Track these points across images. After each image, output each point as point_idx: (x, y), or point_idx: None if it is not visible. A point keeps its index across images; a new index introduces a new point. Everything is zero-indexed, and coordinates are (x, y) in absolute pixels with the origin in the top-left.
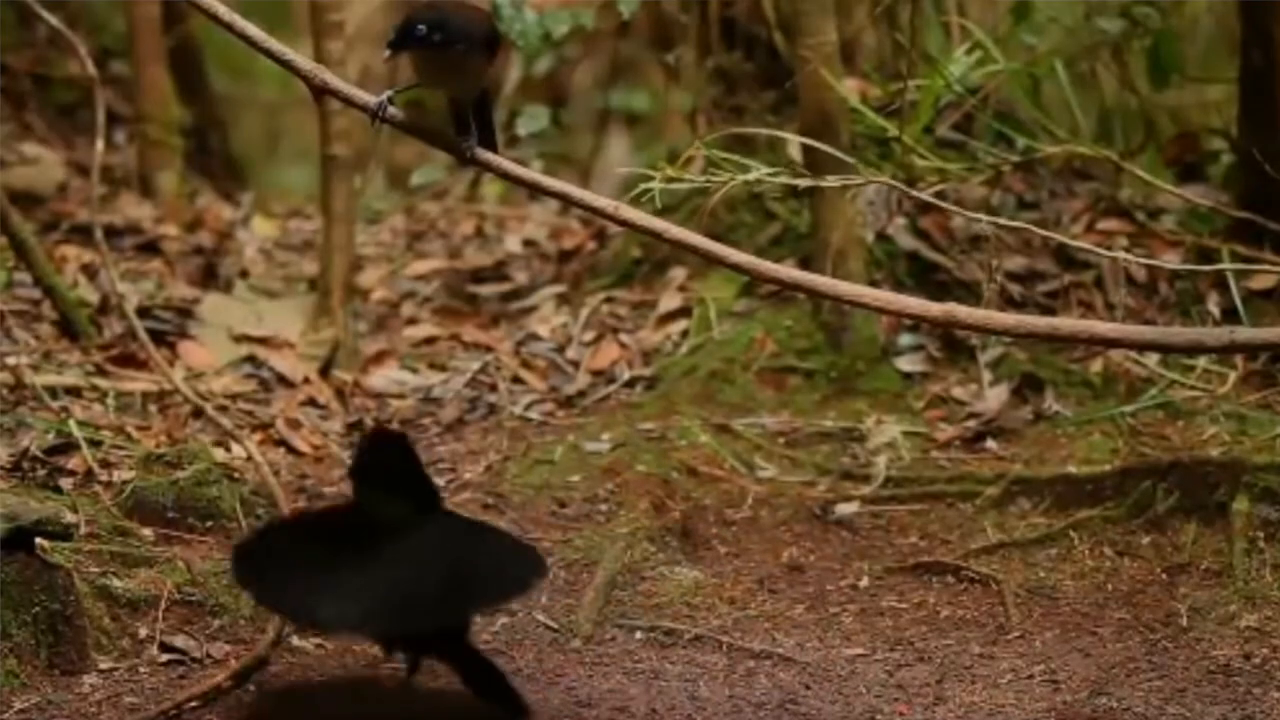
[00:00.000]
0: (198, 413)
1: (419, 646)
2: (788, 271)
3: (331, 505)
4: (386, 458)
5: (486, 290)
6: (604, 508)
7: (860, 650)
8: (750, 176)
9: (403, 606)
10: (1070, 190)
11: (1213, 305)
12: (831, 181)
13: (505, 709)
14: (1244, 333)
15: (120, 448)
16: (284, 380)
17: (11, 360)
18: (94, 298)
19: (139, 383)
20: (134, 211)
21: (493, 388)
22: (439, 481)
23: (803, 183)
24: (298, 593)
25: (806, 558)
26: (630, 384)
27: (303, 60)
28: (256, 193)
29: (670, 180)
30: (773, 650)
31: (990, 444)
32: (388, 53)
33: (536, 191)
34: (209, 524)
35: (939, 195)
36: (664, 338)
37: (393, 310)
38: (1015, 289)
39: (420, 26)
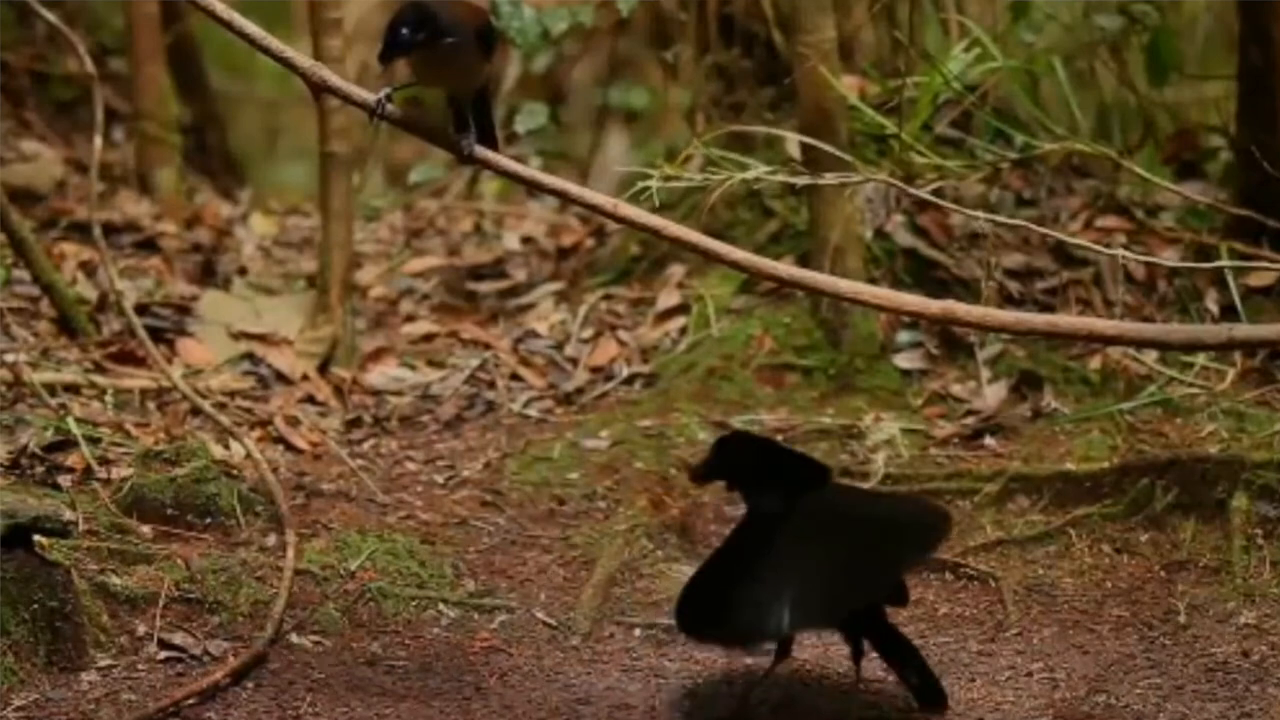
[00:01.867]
0: (196, 410)
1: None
2: (786, 269)
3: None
4: (748, 453)
5: (485, 287)
6: (602, 505)
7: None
8: (749, 175)
9: (847, 589)
10: (1069, 187)
11: (1211, 302)
12: (830, 180)
13: (925, 695)
14: (1242, 330)
15: (119, 445)
16: (282, 377)
17: (10, 358)
18: (92, 295)
19: (137, 380)
20: (132, 209)
21: (491, 385)
22: (438, 479)
23: (801, 181)
24: (747, 613)
25: None
26: (629, 381)
27: (301, 57)
28: (255, 190)
29: (668, 179)
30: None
31: (989, 441)
32: (381, 66)
33: (535, 189)
34: (207, 521)
35: (937, 192)
36: (662, 335)
37: (391, 307)
38: (1014, 286)
39: (404, 30)
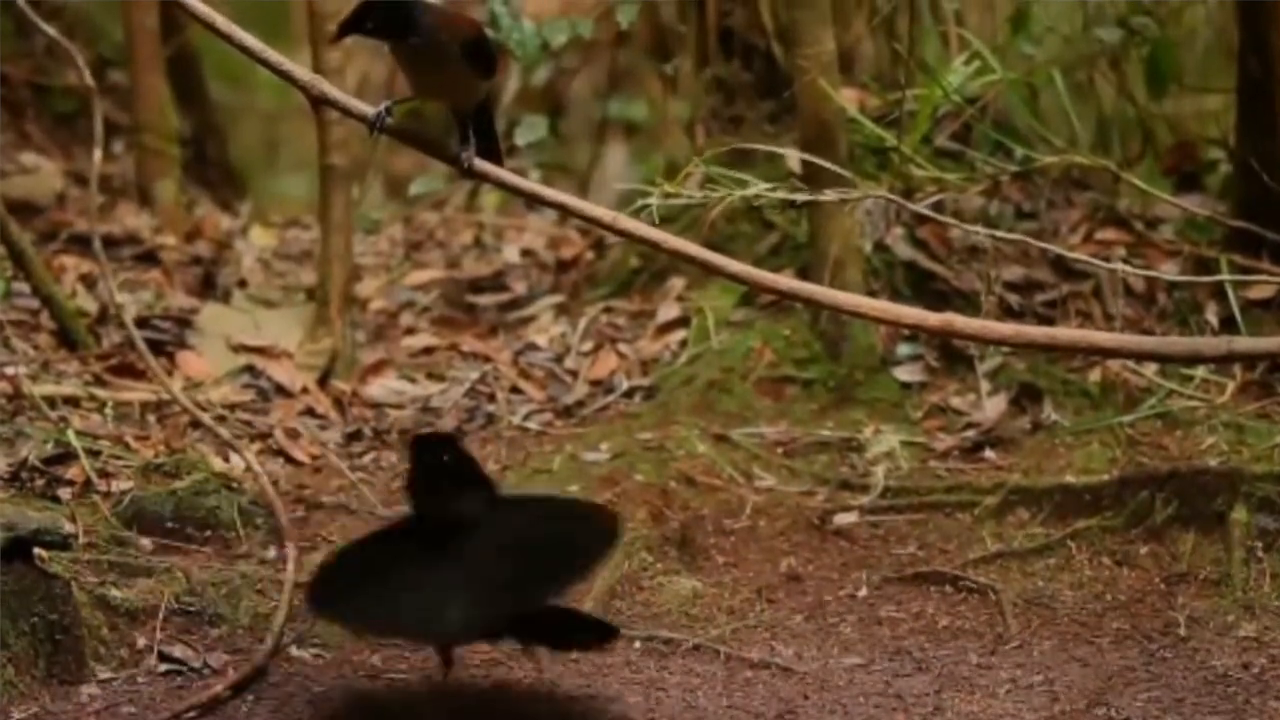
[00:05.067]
0: (196, 423)
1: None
2: (786, 281)
3: (389, 523)
4: (437, 460)
5: (485, 300)
6: None
7: (858, 660)
8: (748, 192)
9: (507, 598)
10: (1068, 200)
11: (1211, 315)
12: (829, 196)
13: (597, 635)
14: (1242, 342)
15: (119, 458)
16: (282, 390)
17: (10, 370)
18: (92, 307)
19: (137, 393)
20: (132, 221)
21: (491, 397)
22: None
23: (800, 198)
24: (399, 607)
25: (805, 567)
26: (629, 394)
27: (301, 70)
28: (255, 202)
29: (668, 196)
30: (771, 660)
31: (988, 453)
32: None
33: (535, 202)
34: (207, 534)
35: (937, 205)
36: (662, 347)
37: (391, 320)
38: (1013, 299)
39: (365, 12)
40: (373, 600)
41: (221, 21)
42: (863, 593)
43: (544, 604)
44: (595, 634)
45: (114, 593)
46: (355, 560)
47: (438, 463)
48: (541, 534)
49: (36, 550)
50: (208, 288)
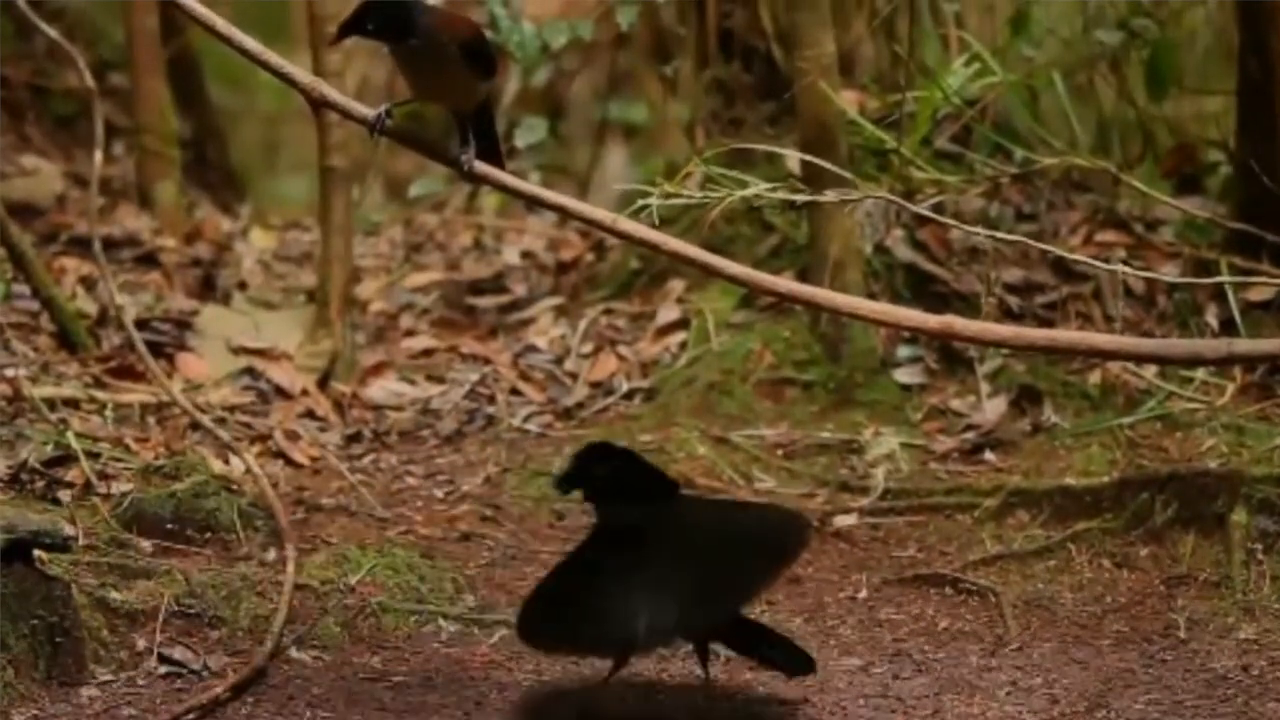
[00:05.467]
0: (196, 425)
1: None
2: (786, 283)
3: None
4: (607, 466)
5: (485, 302)
6: None
7: (858, 662)
8: (748, 192)
9: (708, 602)
10: (1068, 202)
11: (1211, 317)
12: (829, 197)
13: (793, 665)
14: (1242, 344)
15: (118, 459)
16: (282, 392)
17: (10, 372)
18: (92, 309)
19: (137, 395)
20: (132, 223)
21: (491, 399)
22: (438, 493)
23: (800, 199)
24: (598, 623)
25: (805, 569)
26: (629, 396)
27: (300, 73)
28: (255, 204)
29: (668, 197)
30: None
31: (988, 455)
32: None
33: (535, 204)
34: (207, 536)
35: (937, 207)
36: (662, 349)
37: (391, 322)
38: (1013, 301)
39: (366, 13)
40: (576, 621)
41: (221, 24)
42: (863, 594)
43: (738, 608)
44: (788, 659)
45: (114, 595)
46: (556, 587)
47: (620, 471)
48: (733, 537)
49: (36, 552)
50: (207, 290)
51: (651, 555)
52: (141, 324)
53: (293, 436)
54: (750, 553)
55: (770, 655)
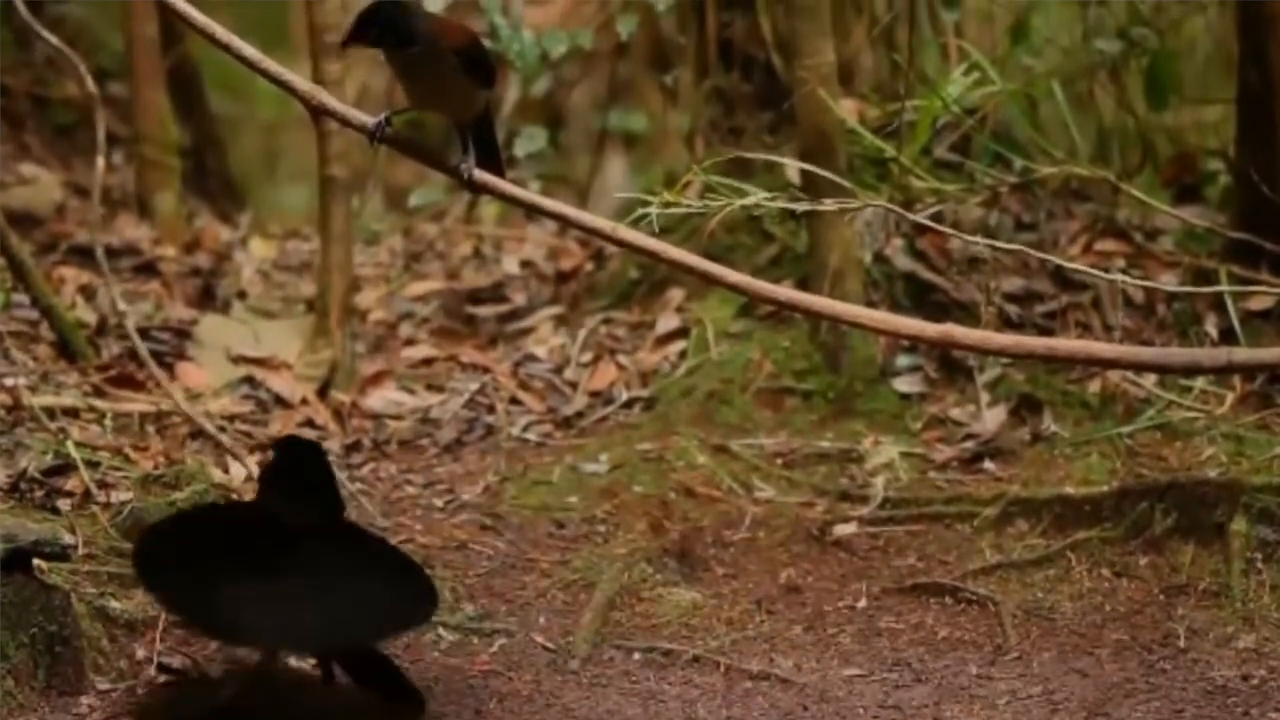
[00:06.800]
0: (195, 434)
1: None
2: (785, 292)
3: (232, 503)
4: (298, 463)
5: (484, 311)
6: (602, 529)
7: (858, 671)
8: (748, 201)
9: (324, 626)
10: (1068, 211)
11: (1210, 326)
12: (829, 205)
13: (406, 703)
14: (1241, 353)
15: (118, 469)
16: (281, 401)
17: (9, 381)
18: (92, 319)
19: (137, 404)
20: (132, 232)
21: (490, 409)
22: (437, 502)
23: (800, 207)
24: (213, 600)
25: (804, 578)
26: (628, 405)
27: (300, 81)
28: (254, 213)
29: (668, 205)
30: (770, 671)
31: (988, 465)
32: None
33: (535, 213)
34: None
35: (936, 216)
36: (662, 358)
37: (390, 331)
38: (1012, 310)
39: (368, 20)
40: (190, 583)
41: (221, 32)
42: (862, 604)
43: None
44: (400, 696)
45: (113, 604)
46: (187, 532)
47: (298, 466)
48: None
49: (36, 561)
50: (207, 299)
51: (312, 565)
52: (141, 333)
53: None
54: (374, 599)
55: (383, 687)
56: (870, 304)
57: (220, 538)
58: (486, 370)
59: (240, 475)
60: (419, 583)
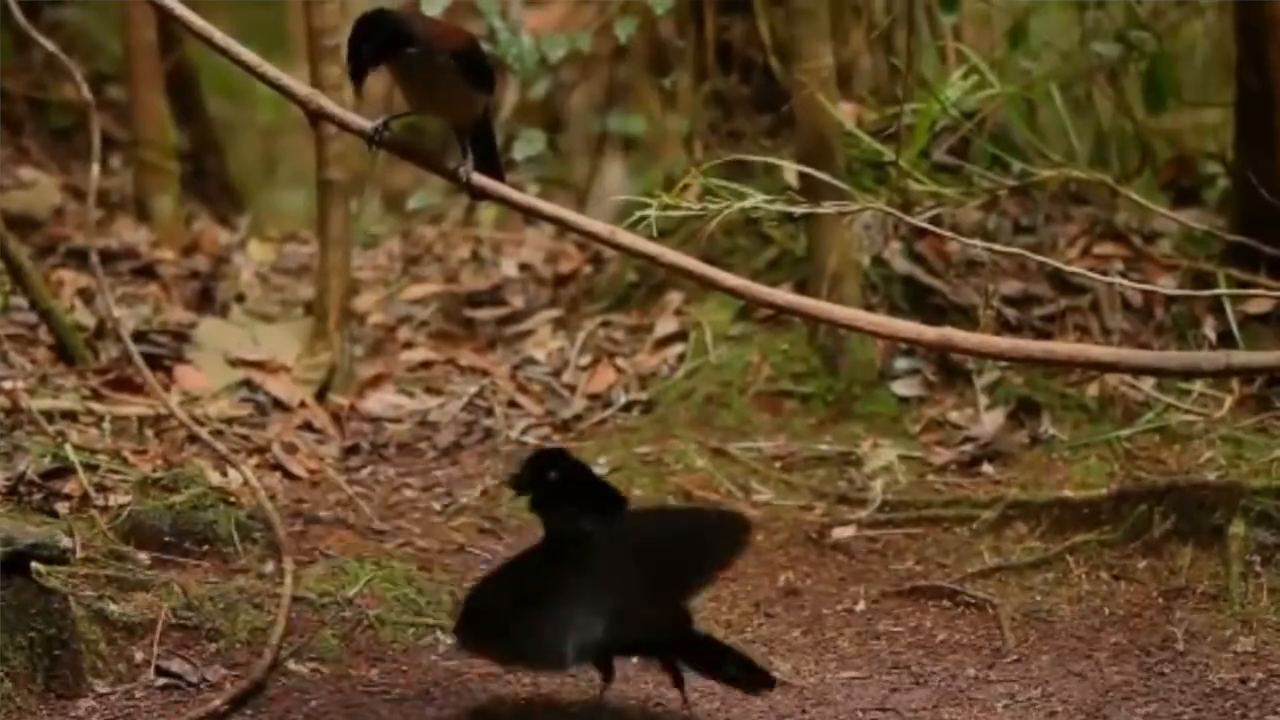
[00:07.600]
0: (194, 437)
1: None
2: (783, 295)
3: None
4: (555, 474)
5: (483, 314)
6: None
7: (856, 674)
8: (746, 204)
9: (631, 616)
10: (1066, 214)
11: (1209, 329)
12: (827, 208)
13: (752, 681)
14: (1240, 356)
15: (116, 472)
16: (280, 404)
17: (8, 384)
18: (90, 322)
19: (135, 407)
20: (130, 236)
21: (489, 412)
22: (436, 506)
23: (798, 210)
24: (535, 634)
25: (803, 581)
26: (627, 408)
27: (298, 85)
28: (253, 217)
29: (666, 208)
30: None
31: (986, 468)
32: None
33: (533, 216)
34: (205, 548)
35: (935, 220)
36: (660, 361)
37: (389, 334)
38: (1011, 313)
39: (364, 43)
40: (516, 630)
41: (219, 36)
42: (860, 607)
43: (676, 608)
44: (745, 675)
45: (111, 607)
46: (494, 590)
47: (560, 479)
48: (670, 544)
49: (34, 565)
50: (205, 302)
51: (589, 569)
52: (139, 336)
53: (291, 449)
54: (687, 556)
55: (725, 671)
56: (868, 307)
57: (539, 580)
58: (485, 373)
59: (237, 479)
60: (715, 517)
